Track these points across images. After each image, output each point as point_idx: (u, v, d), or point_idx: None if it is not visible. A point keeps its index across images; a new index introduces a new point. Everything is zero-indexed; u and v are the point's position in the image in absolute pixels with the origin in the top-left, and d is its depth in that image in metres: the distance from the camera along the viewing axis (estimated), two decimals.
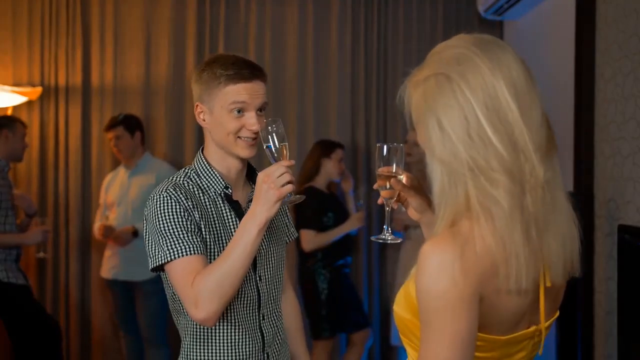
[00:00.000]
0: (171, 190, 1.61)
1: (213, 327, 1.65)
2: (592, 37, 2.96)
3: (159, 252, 1.57)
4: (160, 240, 1.56)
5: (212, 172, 1.69)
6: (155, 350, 3.77)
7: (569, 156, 3.14)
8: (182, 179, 1.69)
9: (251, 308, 1.69)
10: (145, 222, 1.64)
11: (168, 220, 1.57)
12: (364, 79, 4.30)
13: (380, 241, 1.52)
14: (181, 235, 1.56)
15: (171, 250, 1.54)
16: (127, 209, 3.77)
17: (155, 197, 1.61)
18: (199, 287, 1.50)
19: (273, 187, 1.49)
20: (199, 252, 1.56)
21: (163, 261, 1.55)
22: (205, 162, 1.71)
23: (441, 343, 0.98)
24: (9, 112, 3.94)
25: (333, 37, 4.30)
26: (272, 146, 1.56)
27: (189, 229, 1.57)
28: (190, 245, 1.55)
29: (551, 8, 3.55)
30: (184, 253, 1.54)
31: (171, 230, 1.56)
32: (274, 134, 1.56)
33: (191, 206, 1.61)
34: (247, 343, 1.68)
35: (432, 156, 1.06)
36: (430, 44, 1.16)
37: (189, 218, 1.59)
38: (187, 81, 4.19)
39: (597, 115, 2.94)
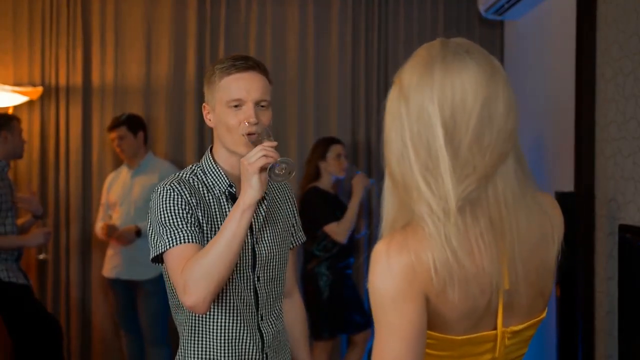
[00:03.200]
0: (175, 184, 1.64)
1: (211, 324, 1.66)
2: (593, 37, 2.96)
3: (159, 241, 1.59)
4: (161, 230, 1.59)
5: (217, 171, 1.71)
6: (156, 350, 3.78)
7: (570, 156, 3.14)
8: (188, 175, 1.71)
9: (249, 307, 1.69)
10: (149, 214, 1.66)
11: (169, 211, 1.60)
12: (365, 78, 4.30)
13: None
14: (180, 226, 1.58)
15: (169, 239, 1.57)
16: (130, 208, 3.78)
17: (159, 190, 1.64)
18: (188, 273, 1.52)
19: (247, 163, 1.53)
20: (195, 241, 1.58)
21: (162, 250, 1.58)
22: (212, 160, 1.73)
23: (387, 338, 1.02)
24: (10, 112, 3.93)
25: (334, 37, 4.30)
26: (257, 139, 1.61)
27: (189, 221, 1.59)
28: (187, 234, 1.57)
29: (552, 8, 3.55)
30: (181, 241, 1.56)
31: (171, 221, 1.59)
32: (262, 135, 1.61)
33: (195, 203, 1.63)
34: (245, 341, 1.68)
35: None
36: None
37: (190, 212, 1.61)
38: (188, 81, 4.21)
39: (598, 115, 2.94)
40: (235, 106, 1.65)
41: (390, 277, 1.02)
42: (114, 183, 3.91)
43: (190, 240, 1.57)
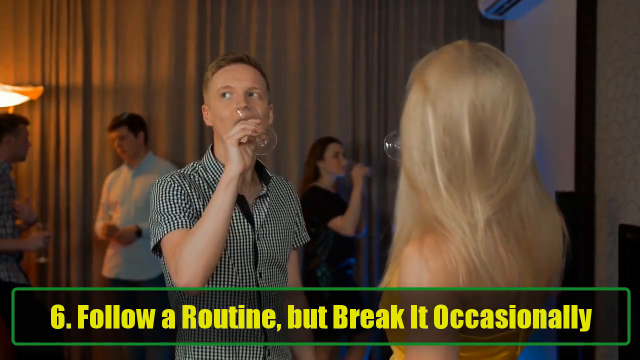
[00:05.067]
0: (176, 177, 1.67)
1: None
2: (593, 37, 2.96)
3: (157, 230, 1.60)
4: (159, 218, 1.60)
5: (218, 167, 1.73)
6: (156, 350, 3.78)
7: (570, 156, 3.14)
8: (189, 171, 1.73)
9: (251, 305, 1.69)
10: (150, 207, 1.67)
11: (168, 200, 1.61)
12: (365, 78, 4.29)
13: None
14: (178, 213, 1.60)
15: (167, 225, 1.58)
16: (130, 208, 3.78)
17: (160, 181, 1.67)
18: (178, 253, 1.51)
19: (226, 137, 1.54)
20: (190, 227, 1.58)
21: (160, 236, 1.59)
22: (213, 157, 1.75)
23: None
24: (10, 112, 3.93)
25: (334, 37, 4.30)
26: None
27: (187, 211, 1.61)
28: (184, 221, 1.58)
29: (552, 8, 3.55)
30: (176, 227, 1.57)
31: (168, 209, 1.60)
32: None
33: (196, 197, 1.64)
34: (248, 339, 1.68)
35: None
36: (431, 43, 1.14)
37: (189, 203, 1.62)
38: (188, 81, 4.21)
39: (598, 114, 2.94)
40: (226, 95, 1.68)
41: (430, 277, 0.99)
42: (114, 183, 3.91)
43: (186, 226, 1.57)
